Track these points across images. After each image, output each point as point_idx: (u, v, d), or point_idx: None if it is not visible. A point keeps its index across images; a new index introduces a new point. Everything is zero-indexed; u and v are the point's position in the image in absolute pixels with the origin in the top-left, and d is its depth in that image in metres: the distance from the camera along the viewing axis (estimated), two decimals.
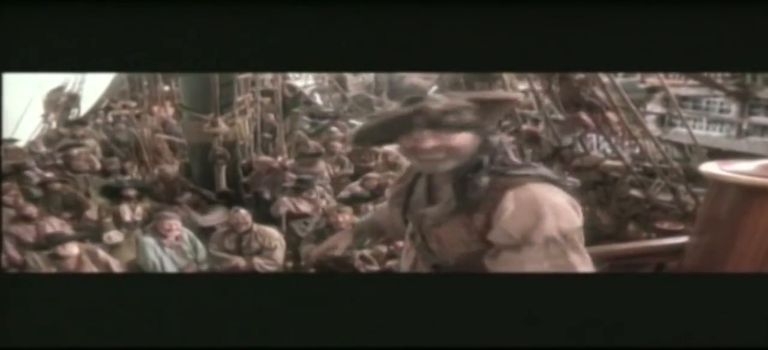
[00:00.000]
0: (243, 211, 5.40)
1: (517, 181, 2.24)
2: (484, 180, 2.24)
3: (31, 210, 5.35)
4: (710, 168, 3.19)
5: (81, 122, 7.78)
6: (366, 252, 5.07)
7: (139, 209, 5.63)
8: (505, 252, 2.23)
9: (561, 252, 2.19)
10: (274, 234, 5.34)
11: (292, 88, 8.36)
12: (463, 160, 2.27)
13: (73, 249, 4.70)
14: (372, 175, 6.22)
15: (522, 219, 2.19)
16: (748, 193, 2.99)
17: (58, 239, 4.77)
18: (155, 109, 7.42)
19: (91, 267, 4.69)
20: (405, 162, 6.50)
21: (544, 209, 2.19)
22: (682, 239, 3.29)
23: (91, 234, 5.36)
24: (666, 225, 3.25)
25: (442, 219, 2.31)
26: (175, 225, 5.27)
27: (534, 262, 2.20)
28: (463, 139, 2.26)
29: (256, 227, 5.32)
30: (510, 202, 2.20)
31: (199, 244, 5.30)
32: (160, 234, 5.18)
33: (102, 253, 4.89)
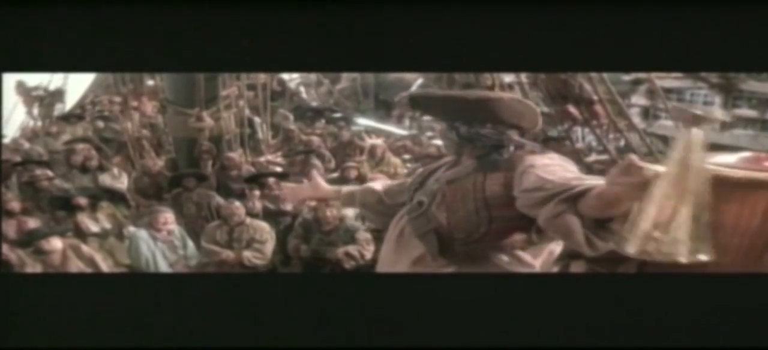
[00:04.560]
0: (236, 203, 5.41)
1: (531, 151, 2.55)
2: (506, 153, 2.55)
3: (14, 205, 5.31)
4: None
5: (78, 117, 7.74)
6: (350, 248, 5.08)
7: (100, 216, 5.54)
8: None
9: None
10: (265, 228, 5.34)
11: (281, 82, 8.34)
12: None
13: (56, 243, 4.67)
14: (350, 164, 6.21)
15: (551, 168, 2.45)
16: (729, 186, 2.99)
17: (40, 234, 4.74)
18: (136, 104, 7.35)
19: (75, 262, 4.67)
20: (391, 157, 6.52)
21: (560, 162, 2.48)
22: None
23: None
24: (617, 209, 3.25)
25: (455, 178, 2.59)
26: (170, 218, 5.28)
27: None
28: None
29: (248, 220, 5.33)
30: (534, 159, 2.48)
31: (188, 240, 5.29)
32: (154, 229, 5.16)
33: (86, 248, 4.86)
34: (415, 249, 2.63)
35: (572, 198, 2.29)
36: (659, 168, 1.89)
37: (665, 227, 1.90)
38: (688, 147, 1.86)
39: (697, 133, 1.87)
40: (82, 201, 5.53)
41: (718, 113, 1.92)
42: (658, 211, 1.90)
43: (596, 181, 2.32)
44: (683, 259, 1.89)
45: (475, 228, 2.53)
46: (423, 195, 2.65)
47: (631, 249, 1.93)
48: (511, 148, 2.56)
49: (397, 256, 2.69)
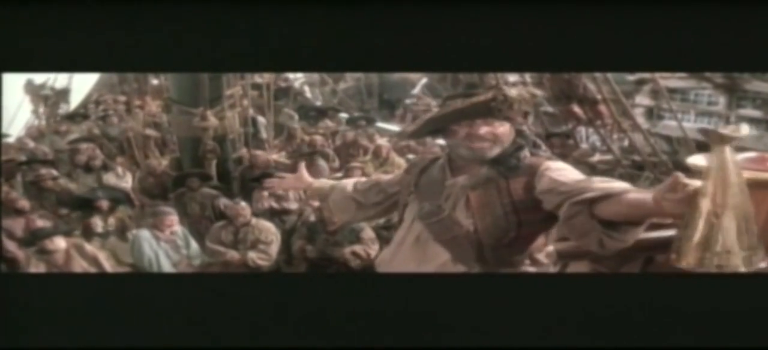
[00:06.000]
0: (243, 203, 5.41)
1: (548, 158, 2.60)
2: (525, 157, 2.56)
3: (23, 203, 5.33)
4: (697, 161, 3.18)
5: (83, 116, 7.74)
6: (356, 247, 5.07)
7: (111, 220, 5.53)
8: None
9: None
10: (271, 229, 5.33)
11: (285, 80, 8.31)
12: (504, 146, 2.57)
13: (60, 243, 4.67)
14: (355, 164, 6.21)
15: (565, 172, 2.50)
16: None
17: (44, 233, 4.74)
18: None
19: (79, 261, 4.67)
20: (395, 157, 6.52)
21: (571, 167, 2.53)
22: (670, 232, 3.29)
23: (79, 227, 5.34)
24: (654, 218, 3.25)
25: (476, 184, 2.55)
26: (175, 220, 5.28)
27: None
28: (506, 128, 2.58)
29: (254, 221, 5.32)
30: (549, 163, 2.53)
31: (191, 239, 5.30)
32: (158, 229, 5.17)
33: (89, 247, 4.85)
34: (441, 255, 2.62)
35: (587, 201, 2.31)
36: (700, 183, 1.97)
37: (716, 240, 1.99)
38: (720, 164, 1.94)
39: (727, 151, 1.96)
40: (104, 203, 5.55)
41: (744, 130, 1.99)
42: (707, 225, 1.98)
43: (611, 185, 2.34)
44: (741, 269, 1.98)
45: (504, 233, 2.54)
46: (434, 199, 2.63)
47: (686, 261, 2.02)
48: (526, 152, 2.55)
49: (417, 262, 2.68)
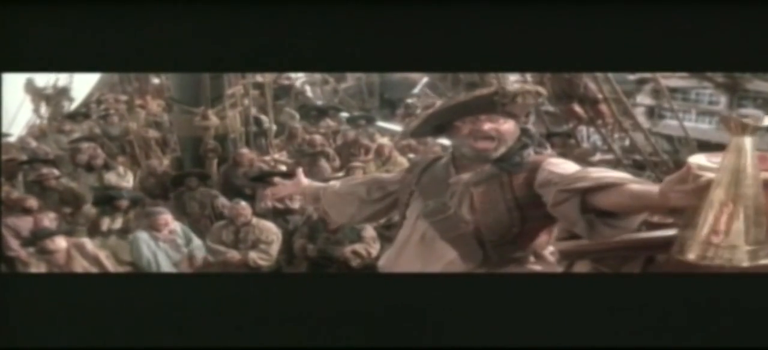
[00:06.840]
0: (243, 203, 5.41)
1: (551, 155, 2.57)
2: (528, 155, 2.51)
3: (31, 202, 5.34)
4: (698, 160, 3.17)
5: (84, 115, 7.75)
6: (357, 246, 5.08)
7: (118, 220, 5.55)
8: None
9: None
10: (272, 229, 5.34)
11: (288, 79, 8.33)
12: (509, 145, 2.52)
13: (60, 243, 4.68)
14: (356, 164, 6.21)
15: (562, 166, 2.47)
16: None
17: (44, 233, 4.75)
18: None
19: (80, 261, 4.67)
20: (397, 156, 6.51)
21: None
22: (671, 232, 3.29)
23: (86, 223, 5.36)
24: (656, 218, 3.25)
25: (479, 180, 2.52)
26: (170, 219, 5.28)
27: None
28: (510, 126, 2.53)
29: (254, 220, 5.33)
30: (550, 159, 2.50)
31: (192, 235, 5.30)
32: (154, 230, 5.17)
33: (90, 246, 4.86)
34: (447, 253, 2.59)
35: (578, 190, 2.31)
36: (713, 175, 1.90)
37: (723, 233, 1.92)
38: (739, 154, 1.88)
39: (748, 140, 1.89)
40: (124, 203, 5.57)
41: (766, 120, 1.93)
42: (716, 217, 1.92)
43: (606, 175, 2.33)
44: (745, 264, 1.92)
45: (507, 230, 2.50)
46: (438, 197, 2.62)
47: (691, 255, 1.95)
48: (531, 151, 2.54)
49: (422, 261, 2.66)
